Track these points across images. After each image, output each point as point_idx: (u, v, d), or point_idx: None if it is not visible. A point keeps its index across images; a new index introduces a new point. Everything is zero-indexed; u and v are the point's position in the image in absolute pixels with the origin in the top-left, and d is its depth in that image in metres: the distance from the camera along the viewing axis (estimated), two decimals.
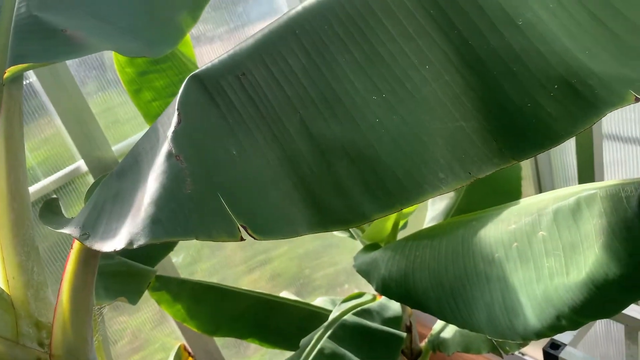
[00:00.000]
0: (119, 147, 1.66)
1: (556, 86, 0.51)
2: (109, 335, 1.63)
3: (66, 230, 0.63)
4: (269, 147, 0.59)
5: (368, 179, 0.56)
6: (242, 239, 0.55)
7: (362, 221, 0.57)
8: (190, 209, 0.55)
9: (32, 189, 1.55)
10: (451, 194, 1.61)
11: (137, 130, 1.73)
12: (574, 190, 0.80)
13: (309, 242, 2.22)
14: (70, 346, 0.84)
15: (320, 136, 0.57)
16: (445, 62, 0.54)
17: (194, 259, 2.02)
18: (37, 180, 1.58)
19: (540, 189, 1.99)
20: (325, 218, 0.57)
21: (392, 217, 1.37)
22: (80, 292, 0.81)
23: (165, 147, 0.59)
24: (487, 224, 0.98)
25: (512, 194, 1.51)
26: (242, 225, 0.55)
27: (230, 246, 2.05)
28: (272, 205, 0.58)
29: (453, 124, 0.53)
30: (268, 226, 0.56)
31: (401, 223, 1.48)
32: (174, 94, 1.38)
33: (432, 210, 1.65)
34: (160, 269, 1.58)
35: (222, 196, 0.56)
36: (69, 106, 1.53)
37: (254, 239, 0.56)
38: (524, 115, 0.51)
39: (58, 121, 1.55)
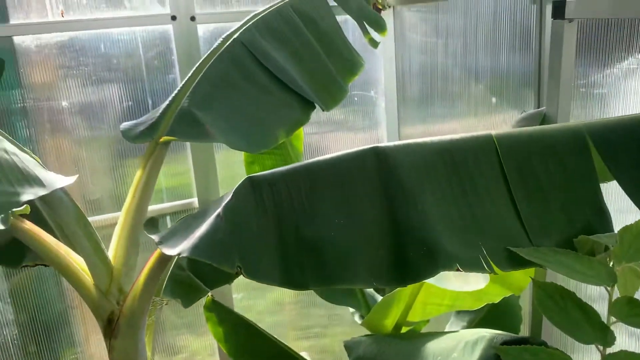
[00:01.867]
0: None
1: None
2: (160, 322, 2.11)
3: (152, 237, 1.11)
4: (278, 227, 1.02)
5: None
6: (237, 274, 0.97)
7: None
8: (217, 247, 0.99)
9: (156, 207, 2.13)
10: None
11: None
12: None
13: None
14: (133, 313, 1.31)
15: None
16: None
17: (252, 304, 2.46)
18: (161, 201, 2.16)
19: None
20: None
21: (394, 317, 1.70)
22: (151, 281, 1.28)
23: (219, 209, 1.04)
24: (439, 338, 1.30)
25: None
26: (238, 267, 0.98)
27: (290, 311, 2.48)
28: (270, 258, 1.00)
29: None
30: (253, 269, 0.98)
31: (404, 329, 1.79)
32: None
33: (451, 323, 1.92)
34: (221, 297, 2.05)
35: (236, 245, 0.99)
36: (202, 156, 2.11)
37: (244, 275, 0.98)
38: None
39: (190, 163, 2.13)
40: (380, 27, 1.94)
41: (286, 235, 1.03)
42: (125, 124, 1.45)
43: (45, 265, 1.53)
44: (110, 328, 1.30)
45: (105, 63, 1.97)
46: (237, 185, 1.08)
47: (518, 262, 0.89)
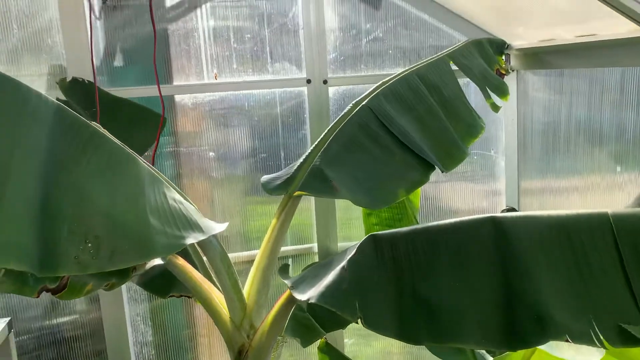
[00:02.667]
0: (342, 244, 2.34)
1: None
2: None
3: (285, 282, 1.26)
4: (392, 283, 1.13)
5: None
6: (356, 321, 1.09)
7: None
8: (341, 297, 1.12)
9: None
10: None
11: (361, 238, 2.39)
12: None
13: None
14: (261, 347, 1.46)
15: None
16: None
17: (361, 350, 2.54)
18: (285, 244, 2.35)
19: None
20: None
21: None
22: (278, 319, 1.44)
23: (344, 262, 1.17)
24: None
25: None
26: (359, 316, 1.09)
27: None
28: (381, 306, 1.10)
29: None
30: (372, 320, 1.09)
31: None
32: (390, 225, 2.00)
33: None
34: (333, 341, 2.16)
35: (358, 297, 1.11)
36: (323, 205, 2.27)
37: (363, 324, 1.09)
38: None
39: (313, 204, 2.30)
40: (502, 92, 2.01)
41: (404, 292, 1.13)
42: (265, 177, 1.65)
43: (188, 297, 1.75)
44: (240, 359, 1.47)
45: (247, 118, 2.23)
46: (361, 241, 1.21)
47: (630, 339, 0.91)
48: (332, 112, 2.25)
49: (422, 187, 2.32)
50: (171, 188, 1.31)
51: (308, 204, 2.33)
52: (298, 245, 2.38)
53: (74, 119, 1.08)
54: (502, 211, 2.02)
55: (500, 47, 2.20)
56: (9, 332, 1.70)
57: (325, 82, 2.21)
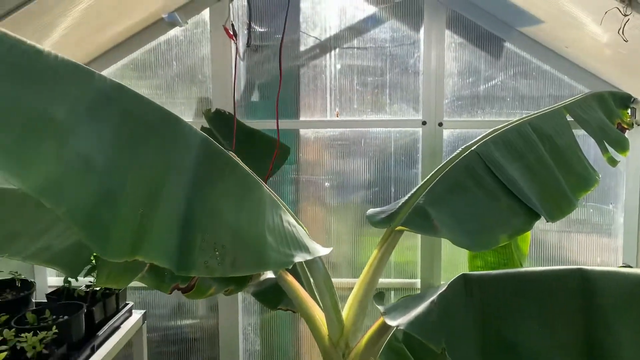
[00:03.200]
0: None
1: None
2: None
3: (379, 307, 1.38)
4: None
5: None
6: (442, 354, 1.17)
7: None
8: (428, 327, 1.21)
9: (385, 280, 2.43)
10: None
11: None
12: None
13: None
14: None
15: None
16: None
17: None
18: (389, 276, 2.45)
19: None
20: None
21: None
22: (372, 342, 1.55)
23: (434, 296, 1.27)
24: None
25: None
26: (443, 348, 1.18)
27: None
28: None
29: None
30: (455, 354, 1.17)
31: None
32: (494, 269, 2.03)
33: None
34: None
35: (444, 329, 1.20)
36: (428, 244, 2.35)
37: (447, 356, 1.17)
38: None
39: (419, 242, 2.39)
40: (622, 147, 1.97)
41: (489, 332, 1.20)
42: (370, 211, 1.79)
43: (293, 312, 1.92)
44: None
45: (362, 154, 2.39)
46: (452, 279, 1.30)
47: None
48: (444, 153, 2.34)
49: (533, 233, 2.33)
50: (287, 212, 1.50)
51: (415, 242, 2.43)
52: (402, 279, 2.47)
53: (215, 149, 1.30)
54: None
55: (625, 100, 2.16)
56: (143, 322, 1.98)
57: (440, 124, 2.31)
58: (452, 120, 2.34)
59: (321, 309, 1.66)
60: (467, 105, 2.35)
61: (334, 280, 2.27)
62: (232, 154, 1.36)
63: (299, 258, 1.34)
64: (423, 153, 2.35)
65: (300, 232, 1.45)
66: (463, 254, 2.44)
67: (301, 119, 2.38)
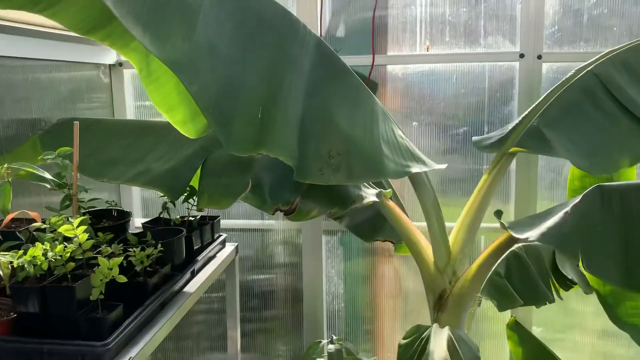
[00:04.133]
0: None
1: None
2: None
3: (504, 224, 1.29)
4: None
5: None
6: (577, 264, 1.08)
7: None
8: (562, 238, 1.12)
9: None
10: None
11: None
12: None
13: None
14: (462, 295, 1.51)
15: None
16: None
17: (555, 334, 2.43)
18: None
19: None
20: None
21: None
22: (483, 269, 1.47)
23: (567, 208, 1.17)
24: None
25: None
26: (578, 259, 1.08)
27: None
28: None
29: None
30: (593, 265, 1.08)
31: None
32: None
33: None
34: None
35: (580, 240, 1.11)
36: (524, 167, 2.23)
37: (584, 268, 1.08)
38: None
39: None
40: None
41: (631, 241, 1.09)
42: (476, 137, 1.69)
43: (392, 243, 1.87)
44: (440, 302, 1.53)
45: (454, 91, 2.28)
46: (585, 191, 1.19)
47: None
48: (543, 89, 2.19)
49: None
50: (397, 127, 1.42)
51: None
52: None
53: (329, 53, 1.24)
54: None
55: None
56: (236, 254, 1.98)
57: (539, 57, 2.16)
58: (552, 52, 2.18)
59: (424, 237, 1.59)
60: (568, 36, 2.19)
61: None
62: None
63: (417, 169, 1.27)
64: (520, 90, 2.21)
65: (410, 145, 1.38)
66: (559, 198, 2.31)
67: (389, 54, 2.29)
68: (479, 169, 2.31)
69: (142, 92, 2.46)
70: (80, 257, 1.26)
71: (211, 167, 1.58)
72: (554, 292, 2.01)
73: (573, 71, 1.67)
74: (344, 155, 1.19)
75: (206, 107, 0.93)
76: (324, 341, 2.22)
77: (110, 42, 1.20)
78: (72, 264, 1.22)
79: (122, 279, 1.22)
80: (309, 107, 1.17)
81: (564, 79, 1.65)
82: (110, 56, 2.32)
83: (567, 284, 2.06)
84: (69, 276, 1.22)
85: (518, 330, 2.07)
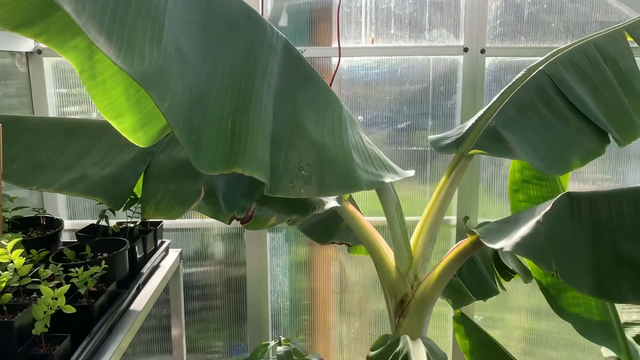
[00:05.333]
0: (481, 220, 2.30)
1: None
2: None
3: (475, 232, 1.27)
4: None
5: None
6: (552, 274, 1.08)
7: None
8: (536, 248, 1.11)
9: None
10: None
11: (502, 215, 2.34)
12: None
13: None
14: (424, 299, 1.49)
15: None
16: None
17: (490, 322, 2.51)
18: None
19: None
20: None
21: None
22: (445, 273, 1.46)
23: (539, 216, 1.16)
24: None
25: None
26: (552, 270, 1.08)
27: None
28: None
29: None
30: (567, 274, 1.08)
31: None
32: (537, 203, 1.95)
33: None
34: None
35: (554, 250, 1.10)
36: (466, 177, 2.25)
37: (559, 277, 1.08)
38: None
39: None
40: None
41: (603, 250, 1.11)
42: (432, 137, 1.67)
43: (349, 245, 1.82)
44: (401, 308, 1.51)
45: (398, 84, 2.25)
46: (555, 198, 1.19)
47: None
48: (486, 83, 2.22)
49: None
50: (362, 131, 1.36)
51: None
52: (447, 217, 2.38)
53: (297, 54, 1.15)
54: None
55: None
56: (180, 260, 1.86)
57: (482, 51, 2.18)
58: (496, 47, 2.20)
59: (384, 240, 1.56)
60: (509, 32, 2.22)
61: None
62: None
63: (389, 178, 1.22)
64: (464, 83, 2.22)
65: (378, 152, 1.33)
66: (498, 188, 2.37)
67: (333, 45, 2.21)
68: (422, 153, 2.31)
69: (65, 81, 2.22)
70: (16, 284, 1.11)
71: (156, 172, 1.44)
72: (497, 284, 2.06)
73: (525, 70, 1.67)
74: (315, 165, 1.11)
75: (177, 124, 0.81)
76: (272, 343, 2.16)
77: (45, 39, 1.04)
78: (8, 295, 1.06)
79: (70, 309, 1.08)
80: (278, 114, 1.08)
81: (516, 78, 1.66)
82: (27, 43, 2.07)
83: (507, 274, 2.13)
84: (5, 308, 1.06)
85: (464, 322, 2.10)
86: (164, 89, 0.77)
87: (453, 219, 2.34)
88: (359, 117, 2.28)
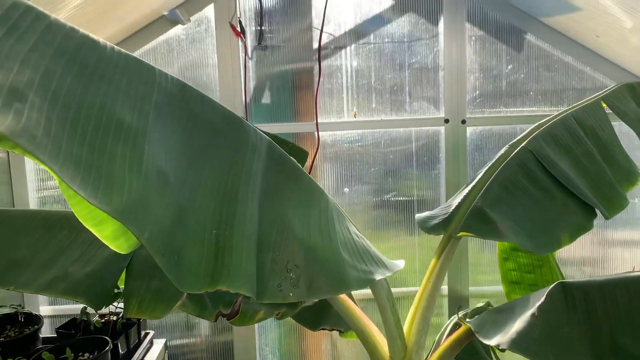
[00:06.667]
0: (472, 289, 2.28)
1: None
2: None
3: (470, 326, 1.24)
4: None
5: None
6: None
7: None
8: (533, 345, 1.08)
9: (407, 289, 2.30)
10: None
11: (493, 283, 2.32)
12: None
13: None
14: None
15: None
16: None
17: None
18: (414, 285, 2.32)
19: None
20: None
21: None
22: None
23: (533, 309, 1.14)
24: None
25: None
26: None
27: None
28: None
29: None
30: None
31: None
32: (529, 272, 1.93)
33: None
34: None
35: (550, 345, 1.07)
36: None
37: None
38: None
39: None
40: None
41: (600, 342, 1.08)
42: (419, 215, 1.65)
43: (340, 332, 1.77)
44: None
45: (382, 156, 2.26)
46: (548, 288, 1.17)
47: None
48: (468, 152, 2.23)
49: None
50: (350, 222, 1.34)
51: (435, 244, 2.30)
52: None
53: (280, 153, 1.14)
54: None
55: None
56: (165, 351, 1.78)
57: (463, 122, 2.20)
58: (476, 117, 2.23)
59: (376, 327, 1.51)
60: (489, 101, 2.26)
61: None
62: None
63: (379, 275, 1.19)
64: (447, 153, 2.23)
65: (369, 244, 1.30)
66: (488, 257, 2.35)
67: (318, 121, 2.22)
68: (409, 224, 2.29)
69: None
70: None
71: (138, 268, 1.39)
72: (492, 356, 2.01)
73: (507, 146, 1.68)
74: (302, 267, 1.08)
75: (158, 251, 0.79)
76: None
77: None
78: None
79: None
80: (264, 217, 1.05)
81: (499, 155, 1.66)
82: None
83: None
84: None
85: None
86: (144, 218, 0.75)
87: (445, 288, 2.31)
88: (345, 189, 2.28)
